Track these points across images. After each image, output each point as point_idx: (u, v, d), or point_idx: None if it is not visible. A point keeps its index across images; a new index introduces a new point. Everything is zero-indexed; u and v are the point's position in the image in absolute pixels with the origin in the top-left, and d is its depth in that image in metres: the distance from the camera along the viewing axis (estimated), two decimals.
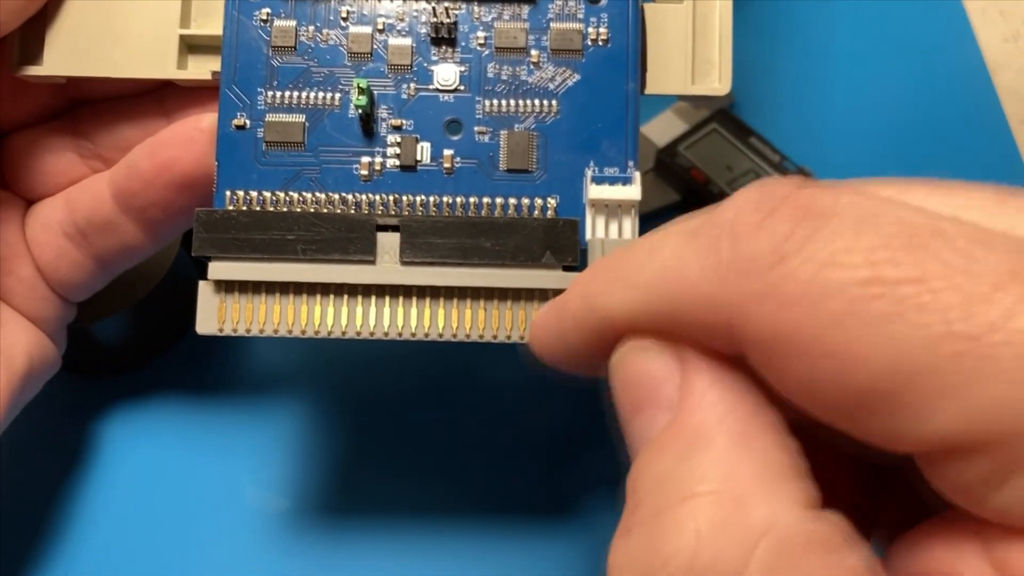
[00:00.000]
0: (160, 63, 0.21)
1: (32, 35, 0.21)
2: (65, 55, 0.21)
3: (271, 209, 0.19)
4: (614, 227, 0.19)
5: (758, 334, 0.12)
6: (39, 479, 0.26)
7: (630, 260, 0.14)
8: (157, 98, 0.22)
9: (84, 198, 0.22)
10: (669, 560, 0.12)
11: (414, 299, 0.19)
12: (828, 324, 0.11)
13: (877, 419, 0.11)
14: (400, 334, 0.19)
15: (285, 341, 0.26)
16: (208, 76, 0.21)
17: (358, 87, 0.19)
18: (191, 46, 0.21)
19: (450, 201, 0.20)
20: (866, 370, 0.11)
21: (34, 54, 0.21)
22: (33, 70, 0.21)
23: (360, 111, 0.19)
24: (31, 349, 0.22)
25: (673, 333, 0.13)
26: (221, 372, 0.28)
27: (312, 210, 0.19)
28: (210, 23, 0.21)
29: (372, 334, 0.19)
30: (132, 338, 0.27)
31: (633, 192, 0.19)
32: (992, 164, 0.32)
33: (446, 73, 0.20)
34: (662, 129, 0.30)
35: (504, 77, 0.20)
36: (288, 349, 0.28)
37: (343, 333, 0.19)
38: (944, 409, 0.11)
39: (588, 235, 0.19)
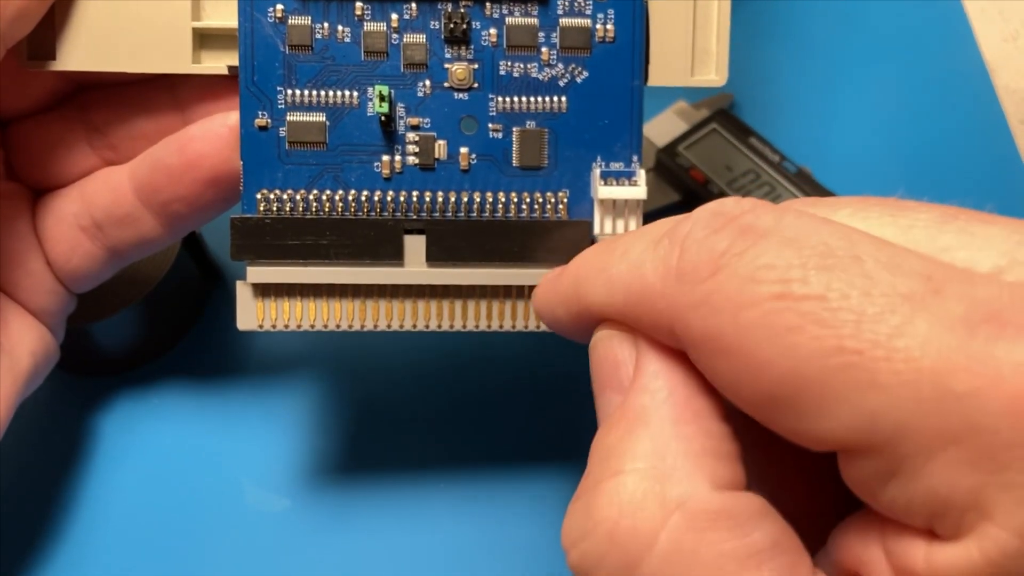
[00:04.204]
0: (175, 57, 0.21)
1: (42, 29, 0.20)
2: (79, 50, 0.21)
3: (302, 214, 0.20)
4: (621, 224, 0.21)
5: (691, 336, 0.14)
6: (38, 478, 0.26)
7: (609, 255, 0.16)
8: (168, 86, 0.22)
9: (101, 191, 0.22)
10: (596, 527, 0.14)
11: (439, 295, 0.21)
12: (744, 331, 0.13)
13: (783, 418, 0.13)
14: (427, 326, 0.21)
15: (287, 341, 0.27)
16: (224, 71, 0.21)
17: (380, 95, 0.20)
18: (204, 38, 0.21)
19: (467, 199, 0.21)
20: (771, 374, 0.13)
21: (46, 48, 0.21)
22: (47, 65, 0.21)
23: (381, 116, 0.20)
24: (35, 347, 0.22)
25: (636, 327, 0.15)
26: (221, 372, 0.28)
27: (341, 215, 0.20)
28: (220, 14, 0.21)
29: (401, 327, 0.21)
30: (131, 338, 0.27)
31: (639, 192, 0.21)
32: (992, 164, 0.32)
33: (461, 71, 0.21)
34: (662, 129, 0.30)
35: (516, 74, 0.21)
36: (288, 349, 0.28)
37: (374, 327, 0.21)
38: (832, 414, 0.12)
39: (597, 231, 0.21)
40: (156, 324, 0.27)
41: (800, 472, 0.16)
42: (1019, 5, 0.35)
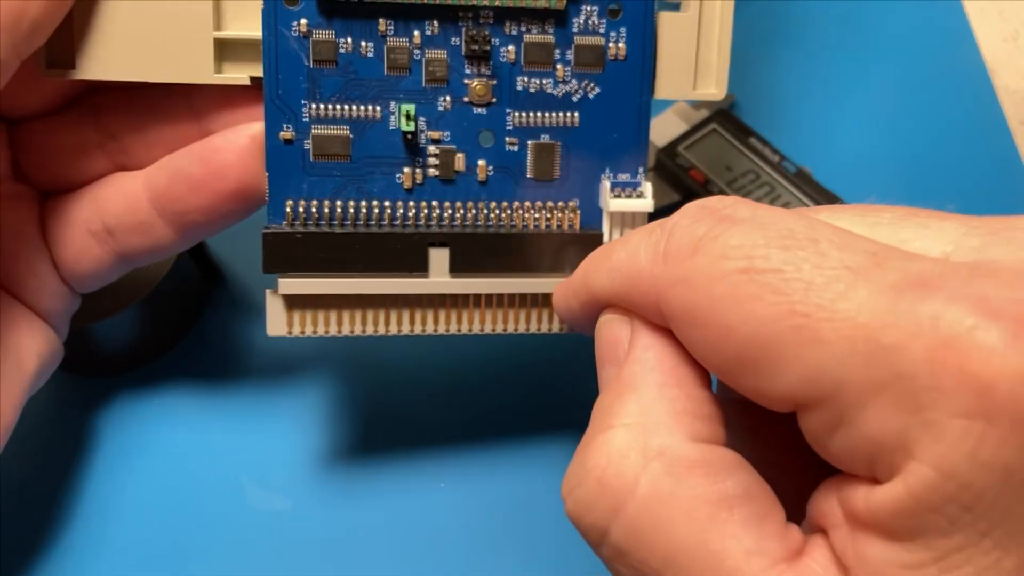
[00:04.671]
0: (197, 67, 0.21)
1: (59, 37, 0.20)
2: (99, 59, 0.21)
3: (328, 224, 0.21)
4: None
5: (672, 310, 0.16)
6: (38, 478, 0.26)
7: (611, 249, 0.18)
8: (184, 93, 0.22)
9: (115, 198, 0.22)
10: (588, 474, 0.16)
11: (459, 303, 0.22)
12: (715, 301, 0.15)
13: (748, 379, 0.15)
14: (447, 331, 0.22)
15: (287, 341, 0.26)
16: (247, 81, 0.21)
17: (406, 114, 0.21)
18: (225, 47, 0.21)
19: (485, 209, 0.22)
20: (735, 338, 0.14)
21: (65, 57, 0.21)
22: (66, 75, 0.21)
23: (408, 134, 0.21)
24: (41, 348, 0.22)
25: (631, 308, 0.17)
26: (221, 372, 0.27)
27: (367, 227, 0.21)
28: (242, 23, 0.21)
29: (424, 332, 0.22)
30: (131, 339, 0.27)
31: (646, 205, 0.22)
32: (991, 164, 0.32)
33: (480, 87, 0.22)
34: (662, 129, 0.30)
35: (532, 90, 0.22)
36: (289, 348, 0.28)
37: (399, 332, 0.22)
38: (786, 371, 0.14)
39: (606, 239, 0.22)
40: (156, 324, 0.27)
41: (796, 456, 0.18)
42: (1019, 5, 0.35)
